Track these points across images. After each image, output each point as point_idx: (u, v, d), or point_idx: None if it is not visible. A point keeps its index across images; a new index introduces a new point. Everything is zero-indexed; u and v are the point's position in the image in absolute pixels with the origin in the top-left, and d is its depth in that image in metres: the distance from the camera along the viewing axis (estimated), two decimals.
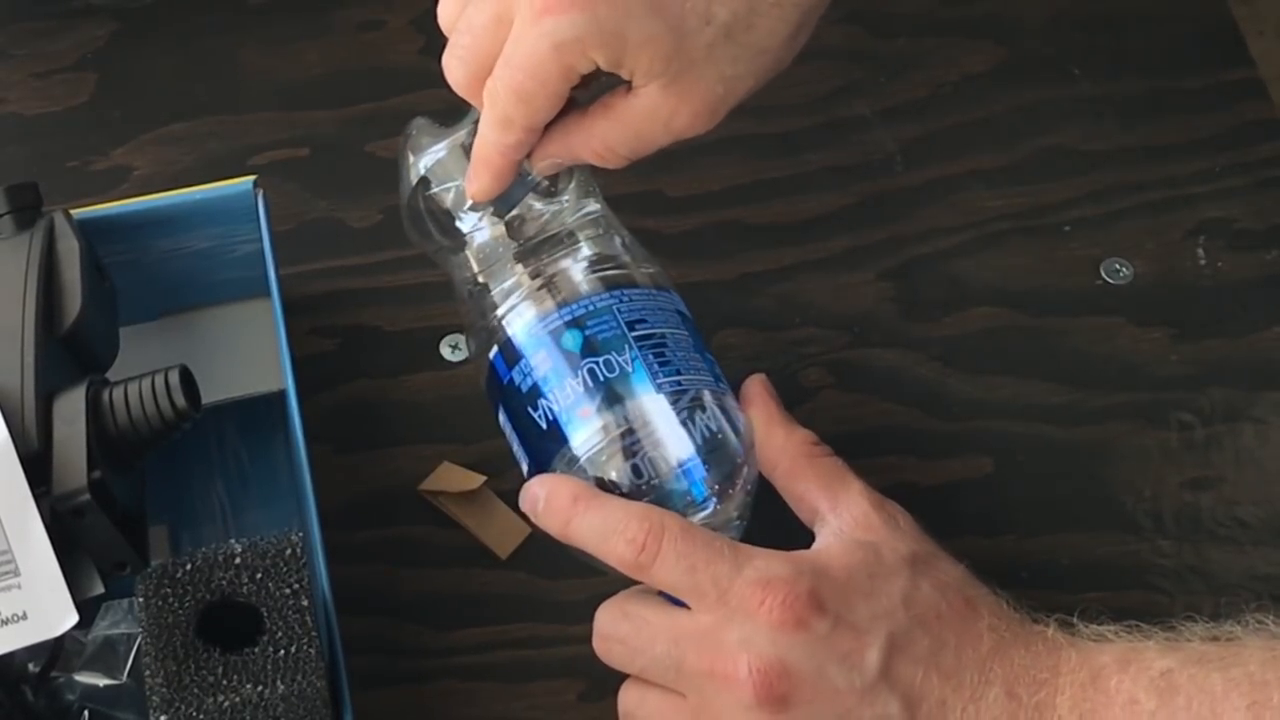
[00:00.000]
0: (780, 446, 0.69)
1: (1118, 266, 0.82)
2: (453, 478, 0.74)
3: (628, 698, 0.66)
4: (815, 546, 0.66)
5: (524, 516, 0.73)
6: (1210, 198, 0.84)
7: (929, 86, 0.87)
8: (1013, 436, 0.77)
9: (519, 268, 0.69)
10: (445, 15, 0.66)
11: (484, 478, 0.74)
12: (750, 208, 0.83)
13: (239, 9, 0.88)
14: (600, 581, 0.72)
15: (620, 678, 0.71)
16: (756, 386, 0.70)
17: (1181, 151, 0.85)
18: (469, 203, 0.70)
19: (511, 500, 0.74)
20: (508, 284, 0.69)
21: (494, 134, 0.65)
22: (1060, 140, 0.85)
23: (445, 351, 0.78)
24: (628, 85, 0.65)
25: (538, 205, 0.70)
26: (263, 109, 0.85)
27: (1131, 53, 0.88)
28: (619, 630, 0.65)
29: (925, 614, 0.64)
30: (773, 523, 0.67)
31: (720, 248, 0.82)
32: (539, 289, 0.68)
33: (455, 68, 0.65)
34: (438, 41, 0.87)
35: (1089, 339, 0.80)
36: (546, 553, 0.72)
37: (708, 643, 0.63)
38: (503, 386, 0.68)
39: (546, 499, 0.66)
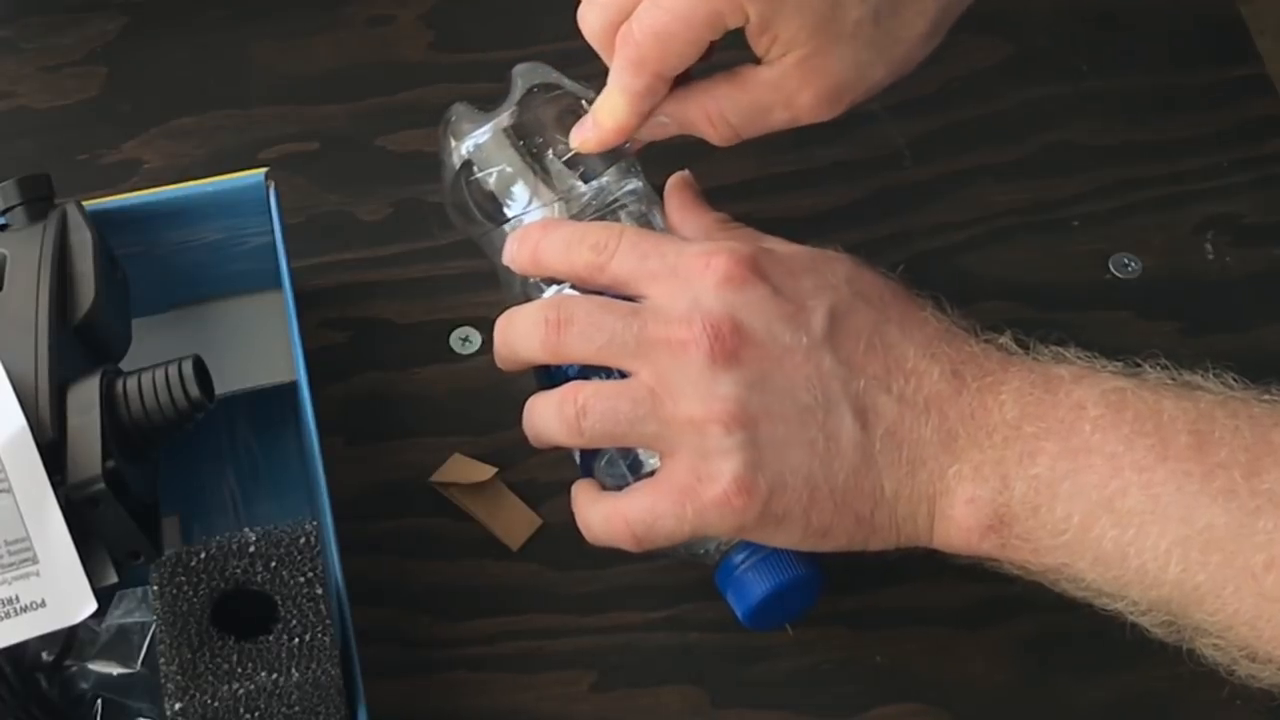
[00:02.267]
0: (698, 223, 0.70)
1: (1126, 261, 0.82)
2: (464, 469, 0.74)
3: (578, 395, 0.65)
4: None
5: (534, 509, 0.74)
6: (1218, 193, 0.84)
7: (937, 82, 0.87)
8: None
9: None
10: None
11: (495, 469, 0.74)
12: (759, 202, 0.83)
13: (249, 3, 0.88)
14: (612, 574, 0.72)
15: (630, 670, 0.71)
16: (676, 178, 0.71)
17: (1189, 147, 0.85)
18: (514, 185, 0.70)
19: (523, 492, 0.74)
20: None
21: (624, 77, 0.66)
22: (1068, 136, 0.86)
23: (456, 344, 0.78)
24: (756, 62, 0.65)
25: (580, 185, 0.70)
26: (273, 103, 0.85)
27: (1139, 49, 0.88)
28: (576, 312, 0.66)
29: (868, 292, 0.66)
30: None
31: None
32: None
33: (593, 15, 0.67)
34: (447, 36, 0.88)
35: (1098, 333, 0.79)
36: (558, 544, 0.73)
37: (663, 313, 0.64)
38: (550, 370, 0.68)
39: (519, 235, 0.68)
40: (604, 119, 0.68)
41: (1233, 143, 0.86)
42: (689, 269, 0.65)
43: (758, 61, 0.66)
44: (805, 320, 0.64)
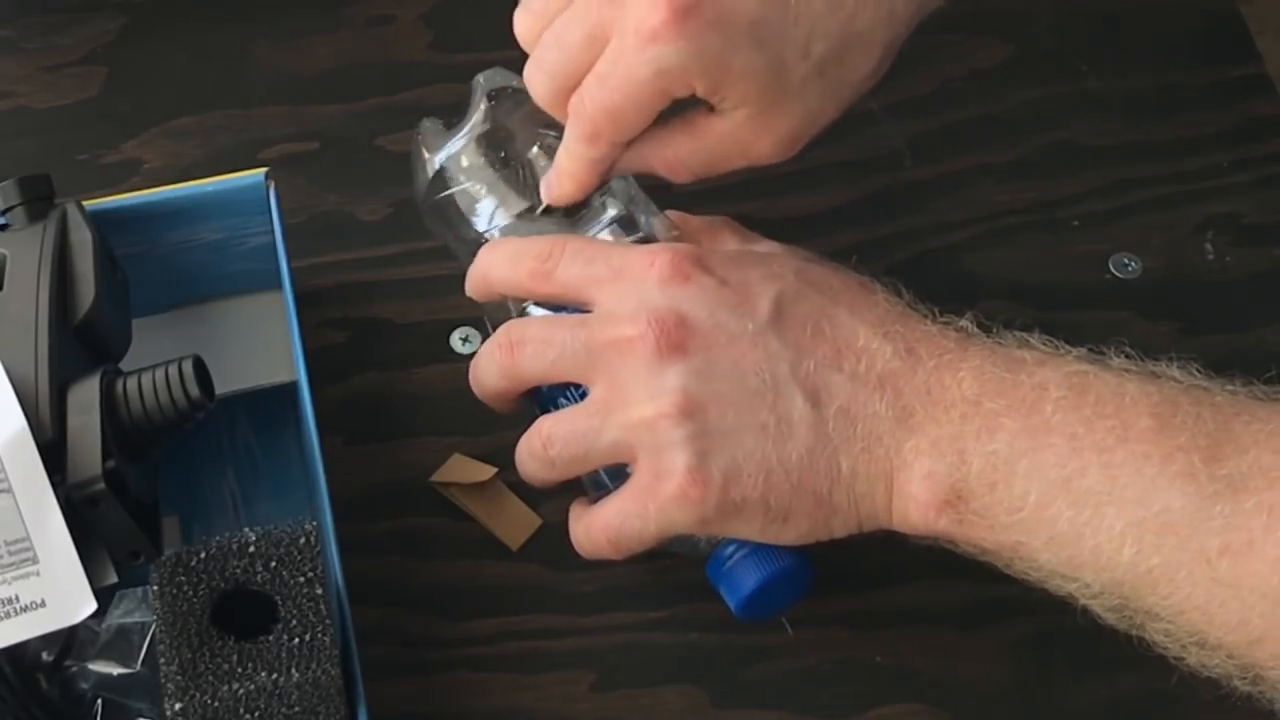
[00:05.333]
0: (697, 226, 0.71)
1: (1126, 261, 0.82)
2: (464, 469, 0.74)
3: (542, 427, 0.67)
4: None
5: (534, 509, 0.74)
6: (1218, 193, 0.84)
7: (937, 82, 0.87)
8: None
9: None
10: (524, 30, 0.68)
11: (495, 469, 0.74)
12: (759, 203, 0.83)
13: (249, 3, 0.88)
14: (612, 574, 0.72)
15: (630, 670, 0.71)
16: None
17: (1189, 147, 0.85)
18: (493, 193, 0.70)
19: (522, 492, 0.74)
20: None
21: (579, 147, 0.67)
22: (1068, 135, 0.86)
23: (456, 344, 0.78)
24: (709, 105, 0.66)
25: None
26: (272, 103, 0.85)
27: (1139, 49, 0.89)
28: (527, 331, 0.67)
29: (818, 281, 0.67)
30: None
31: None
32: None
33: (541, 82, 0.67)
34: (447, 36, 0.88)
35: (1098, 333, 0.79)
36: (558, 544, 0.72)
37: (610, 317, 0.65)
38: (535, 404, 0.68)
39: (472, 265, 0.70)
40: (565, 181, 0.69)
41: (1233, 143, 0.86)
42: (633, 269, 0.66)
43: (712, 108, 0.67)
44: (751, 308, 0.65)
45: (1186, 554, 0.59)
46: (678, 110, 0.67)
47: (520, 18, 0.68)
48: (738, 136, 0.66)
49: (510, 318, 0.70)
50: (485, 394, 0.70)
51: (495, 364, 0.67)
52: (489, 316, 0.72)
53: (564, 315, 0.67)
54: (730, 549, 0.67)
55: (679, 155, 0.68)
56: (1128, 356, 0.64)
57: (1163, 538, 0.59)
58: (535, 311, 0.69)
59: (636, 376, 0.64)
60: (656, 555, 0.69)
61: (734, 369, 0.64)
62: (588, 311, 0.67)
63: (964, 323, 0.66)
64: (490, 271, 0.69)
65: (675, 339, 0.64)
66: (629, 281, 0.66)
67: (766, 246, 0.70)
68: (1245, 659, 0.60)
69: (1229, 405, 0.62)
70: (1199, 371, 0.64)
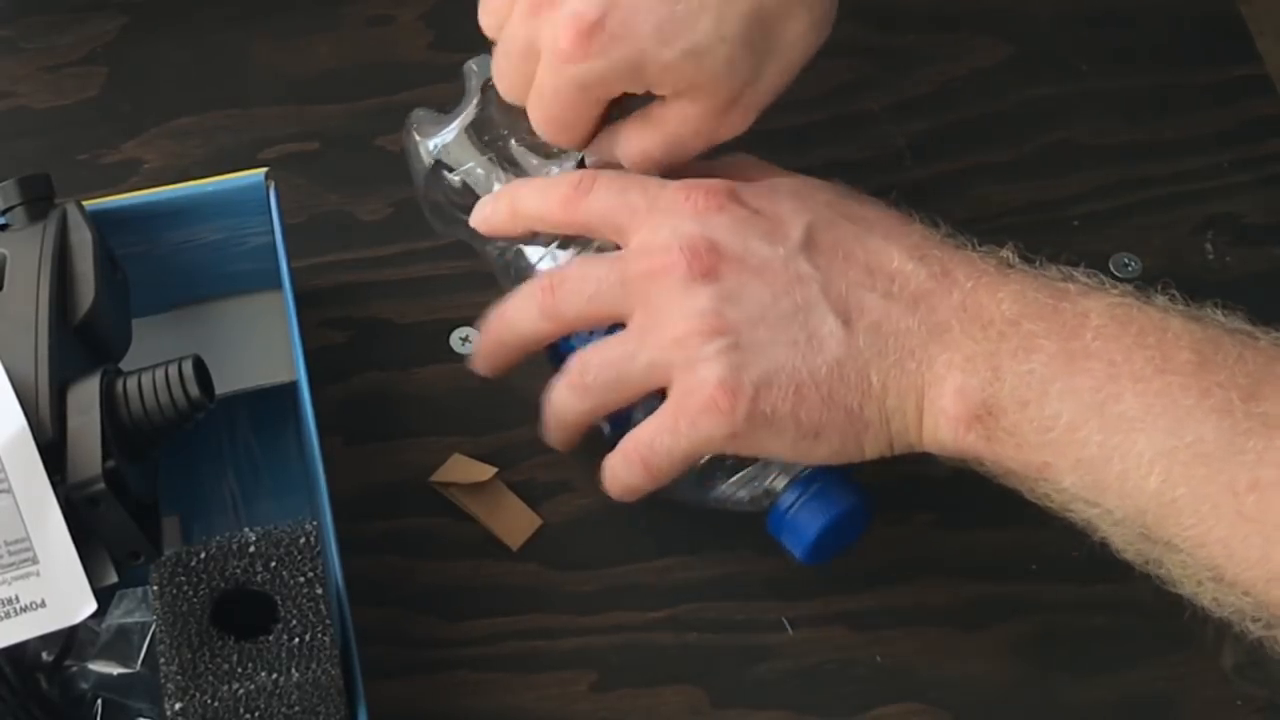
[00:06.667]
0: (724, 164, 0.71)
1: (1126, 261, 0.82)
2: (464, 469, 0.74)
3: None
4: None
5: (534, 509, 0.74)
6: (1218, 193, 0.84)
7: (938, 81, 0.87)
8: None
9: None
10: (487, 27, 0.70)
11: (495, 469, 0.74)
12: None
13: (249, 3, 0.88)
14: (612, 574, 0.72)
15: (630, 670, 0.71)
16: None
17: (1189, 147, 0.85)
18: (486, 180, 0.71)
19: (523, 492, 0.74)
20: (539, 243, 0.70)
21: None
22: (1068, 135, 0.86)
23: (455, 344, 0.78)
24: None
25: (552, 168, 0.71)
26: (273, 103, 0.85)
27: (1139, 48, 0.88)
28: (567, 272, 0.68)
29: (851, 212, 0.67)
30: None
31: None
32: (569, 242, 0.70)
33: (502, 82, 0.69)
34: (447, 36, 0.88)
35: None
36: (558, 544, 0.73)
37: (644, 248, 0.66)
38: (559, 354, 0.69)
39: (493, 196, 0.71)
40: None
41: (1233, 143, 0.85)
42: (669, 202, 0.67)
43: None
44: (783, 234, 0.66)
45: (1214, 486, 0.59)
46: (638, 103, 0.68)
47: (481, 16, 0.70)
48: (686, 120, 0.67)
49: (509, 278, 0.71)
50: (516, 338, 0.70)
51: (535, 305, 0.68)
52: (500, 271, 0.72)
53: (599, 255, 0.68)
54: (789, 499, 0.67)
55: (640, 146, 0.68)
56: (1172, 299, 0.64)
57: (1191, 468, 0.59)
58: (561, 256, 0.70)
59: (670, 300, 0.65)
60: (670, 551, 0.69)
61: (765, 292, 0.65)
62: (618, 249, 0.68)
63: (1005, 253, 0.66)
64: (519, 200, 0.69)
65: (707, 263, 0.65)
66: (663, 214, 0.67)
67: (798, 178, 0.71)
68: (1262, 597, 0.60)
69: (1272, 349, 0.62)
70: (1246, 321, 0.64)
